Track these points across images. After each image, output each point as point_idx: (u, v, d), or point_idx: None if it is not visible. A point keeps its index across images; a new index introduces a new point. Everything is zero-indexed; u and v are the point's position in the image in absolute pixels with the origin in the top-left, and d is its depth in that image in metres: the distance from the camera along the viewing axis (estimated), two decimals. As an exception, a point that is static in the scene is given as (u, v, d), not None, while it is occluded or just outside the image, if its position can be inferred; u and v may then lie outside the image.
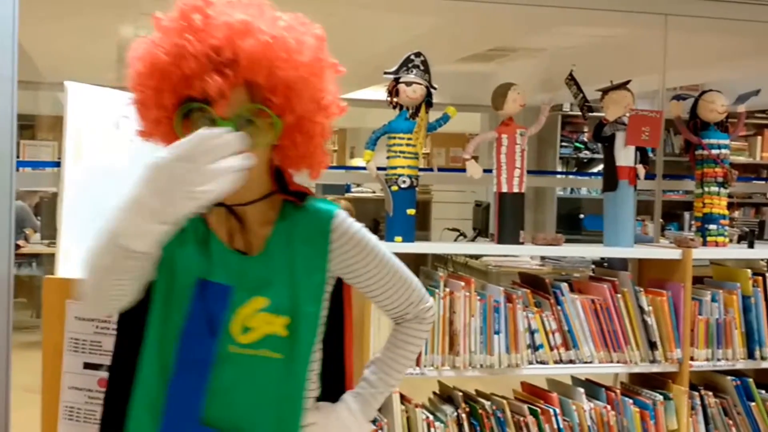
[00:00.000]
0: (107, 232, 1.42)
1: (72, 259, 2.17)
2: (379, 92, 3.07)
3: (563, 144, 8.34)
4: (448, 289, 3.04)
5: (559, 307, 3.16)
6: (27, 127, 9.09)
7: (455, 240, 6.92)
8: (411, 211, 3.07)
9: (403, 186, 3.04)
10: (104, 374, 2.05)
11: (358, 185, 9.01)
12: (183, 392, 1.54)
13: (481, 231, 7.01)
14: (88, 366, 2.07)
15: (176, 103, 1.48)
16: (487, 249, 3.94)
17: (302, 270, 1.60)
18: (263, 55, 1.45)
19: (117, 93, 2.35)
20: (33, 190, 8.52)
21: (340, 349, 1.77)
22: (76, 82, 2.19)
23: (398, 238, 3.01)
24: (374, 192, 8.04)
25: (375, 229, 3.03)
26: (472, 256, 6.54)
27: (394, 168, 3.04)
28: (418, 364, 2.94)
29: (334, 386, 1.76)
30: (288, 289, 1.58)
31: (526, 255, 5.93)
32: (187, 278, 1.57)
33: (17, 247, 6.89)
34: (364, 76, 4.88)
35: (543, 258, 6.29)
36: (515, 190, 3.20)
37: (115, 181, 2.27)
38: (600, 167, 4.16)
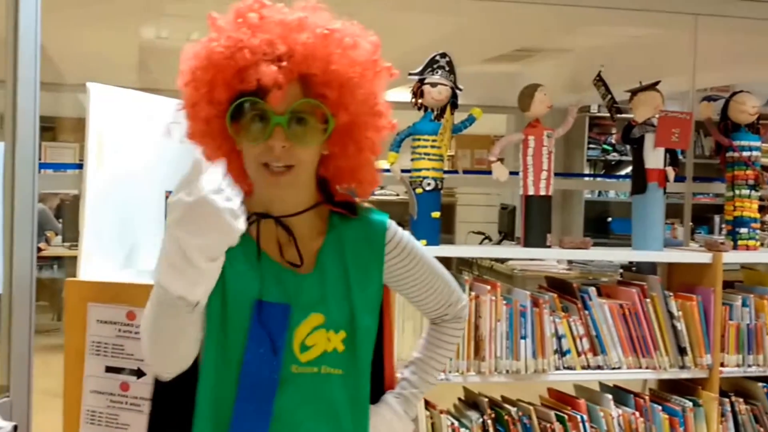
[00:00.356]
0: (160, 292, 1.38)
1: (94, 261, 2.18)
2: (404, 94, 3.07)
3: (591, 146, 8.29)
4: (473, 293, 3.04)
5: (586, 312, 3.15)
6: (48, 128, 9.17)
7: (480, 243, 6.90)
8: (436, 214, 3.07)
9: (427, 188, 3.04)
10: (126, 378, 2.07)
11: (382, 188, 8.98)
12: (249, 418, 1.52)
13: (507, 234, 7.00)
14: (110, 369, 2.08)
15: (229, 98, 1.48)
16: (514, 252, 3.93)
17: (356, 283, 1.60)
18: (318, 47, 1.47)
19: (140, 95, 2.38)
20: (54, 193, 8.59)
21: (379, 350, 1.76)
22: (98, 83, 2.21)
23: (423, 242, 3.00)
24: (398, 195, 8.03)
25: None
26: (497, 260, 6.53)
27: (419, 170, 3.05)
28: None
29: (373, 387, 1.76)
30: (343, 304, 1.58)
31: (552, 259, 5.91)
32: (241, 300, 1.53)
33: (38, 249, 6.96)
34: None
35: (570, 262, 6.26)
36: (542, 192, 3.20)
37: (137, 184, 2.30)
38: (628, 169, 4.15)
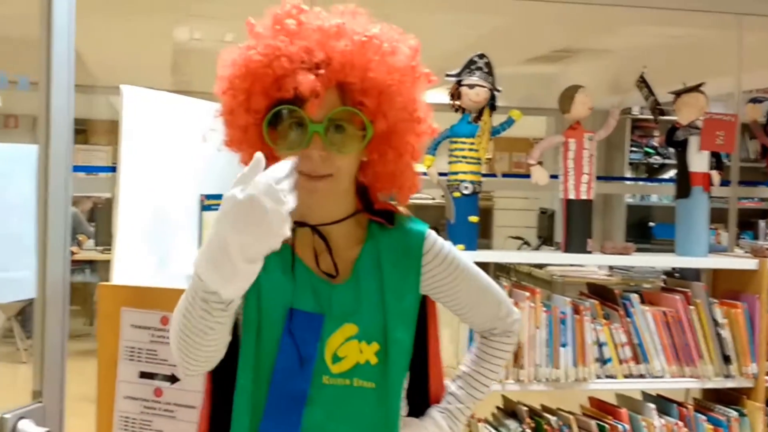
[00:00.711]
0: (195, 281, 1.37)
1: (127, 265, 2.19)
2: (442, 96, 3.07)
3: (633, 149, 8.22)
4: (511, 300, 3.02)
5: (628, 319, 3.12)
6: (81, 131, 9.27)
7: (519, 249, 6.87)
8: (473, 218, 3.06)
9: (465, 192, 3.03)
10: (160, 383, 2.07)
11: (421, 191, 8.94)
12: (278, 429, 1.52)
13: (546, 239, 6.96)
14: (143, 375, 2.09)
15: (267, 106, 1.49)
16: (554, 258, 3.91)
17: (392, 294, 1.58)
18: (356, 55, 1.46)
19: (173, 97, 2.39)
20: (87, 196, 8.66)
21: (424, 363, 1.73)
22: (130, 85, 2.22)
23: (460, 246, 2.99)
24: (434, 198, 8.02)
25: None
26: (536, 266, 6.49)
27: (456, 174, 3.04)
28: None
29: (418, 400, 1.74)
30: (377, 315, 1.56)
31: (593, 265, 5.87)
32: (275, 307, 1.54)
33: (71, 253, 7.04)
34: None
35: (611, 268, 6.21)
36: (583, 196, 3.18)
37: (171, 187, 2.31)
38: (672, 173, 4.11)
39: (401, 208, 1.68)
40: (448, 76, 3.04)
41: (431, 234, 1.65)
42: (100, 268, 8.20)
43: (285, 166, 1.31)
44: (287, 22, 1.49)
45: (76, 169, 2.17)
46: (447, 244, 1.66)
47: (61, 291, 2.09)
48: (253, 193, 1.26)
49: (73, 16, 2.08)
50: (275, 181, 1.28)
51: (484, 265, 3.39)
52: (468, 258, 1.71)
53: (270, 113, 1.48)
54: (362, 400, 1.55)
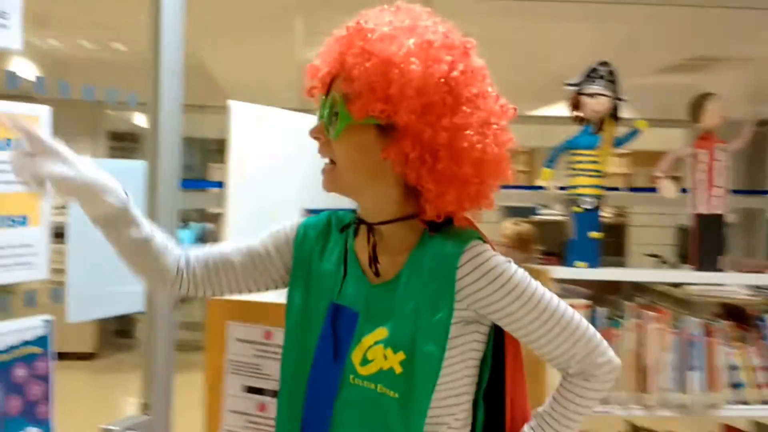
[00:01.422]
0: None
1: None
2: (561, 109, 3.00)
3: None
4: (636, 321, 2.92)
5: (764, 342, 2.96)
6: (218, 150, 9.53)
7: (655, 266, 6.66)
8: (595, 234, 2.96)
9: (586, 207, 2.94)
10: (265, 398, 2.08)
11: (546, 207, 8.79)
12: (313, 421, 1.56)
13: (685, 257, 6.73)
14: (249, 389, 2.11)
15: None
16: (683, 276, 3.76)
17: (426, 305, 1.51)
18: (343, 45, 1.51)
19: (282, 112, 2.41)
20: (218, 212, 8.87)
21: (501, 398, 1.65)
22: (262, 105, 2.27)
23: (580, 264, 2.91)
24: (555, 215, 7.87)
25: (563, 254, 2.96)
26: (673, 285, 6.25)
27: (576, 187, 2.95)
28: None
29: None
30: (408, 324, 1.51)
31: (734, 284, 5.61)
32: (321, 299, 1.60)
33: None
34: (552, 91, 4.81)
35: (758, 288, 5.93)
36: (714, 211, 3.04)
37: (276, 202, 2.33)
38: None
39: (468, 218, 1.60)
40: (567, 85, 2.97)
41: (475, 245, 1.52)
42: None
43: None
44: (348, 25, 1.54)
45: (191, 184, 2.23)
46: (496, 259, 1.52)
47: (168, 305, 2.14)
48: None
49: (180, 35, 2.14)
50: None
51: (614, 285, 3.30)
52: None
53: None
54: (384, 407, 1.50)
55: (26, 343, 1.81)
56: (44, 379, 1.86)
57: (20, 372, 1.80)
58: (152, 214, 2.06)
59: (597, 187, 2.96)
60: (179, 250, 1.68)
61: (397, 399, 1.50)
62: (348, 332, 1.55)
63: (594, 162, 2.94)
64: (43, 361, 1.85)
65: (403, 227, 1.57)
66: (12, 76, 1.78)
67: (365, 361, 1.52)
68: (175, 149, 2.14)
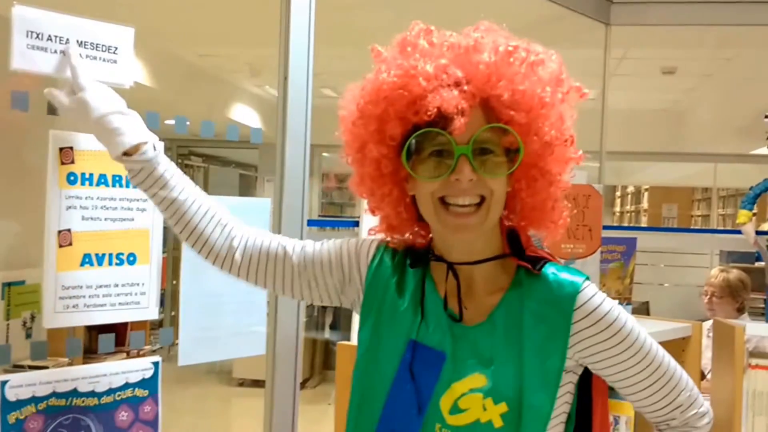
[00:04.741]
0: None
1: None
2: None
3: None
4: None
5: None
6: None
7: None
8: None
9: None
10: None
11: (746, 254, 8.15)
12: None
13: None
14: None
15: (402, 134, 1.41)
16: None
17: (533, 351, 1.42)
18: (501, 66, 1.37)
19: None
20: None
21: None
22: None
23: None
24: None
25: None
26: None
27: (773, 229, 2.72)
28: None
29: None
30: (512, 372, 1.42)
31: None
32: (396, 335, 1.48)
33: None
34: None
35: None
36: None
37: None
38: None
39: (555, 257, 1.52)
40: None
41: (589, 286, 1.46)
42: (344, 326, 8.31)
43: None
44: (419, 43, 1.41)
45: (322, 224, 2.23)
46: (609, 302, 1.46)
47: (294, 346, 2.14)
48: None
49: (310, 77, 2.18)
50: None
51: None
52: (644, 330, 1.48)
53: (410, 138, 1.39)
54: None
55: (130, 385, 1.84)
56: (151, 424, 1.88)
57: (123, 415, 1.82)
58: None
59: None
60: (240, 229, 1.62)
61: None
62: (431, 374, 1.44)
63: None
64: (151, 405, 1.88)
65: (496, 266, 1.49)
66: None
67: (456, 410, 1.42)
68: (302, 187, 2.17)
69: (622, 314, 1.46)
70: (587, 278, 1.47)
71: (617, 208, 16.13)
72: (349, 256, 1.58)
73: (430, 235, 1.53)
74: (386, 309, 1.51)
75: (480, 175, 1.37)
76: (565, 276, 1.46)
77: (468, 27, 1.44)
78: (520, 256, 1.49)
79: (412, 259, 1.54)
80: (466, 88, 1.35)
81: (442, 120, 1.34)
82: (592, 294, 1.45)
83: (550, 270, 1.47)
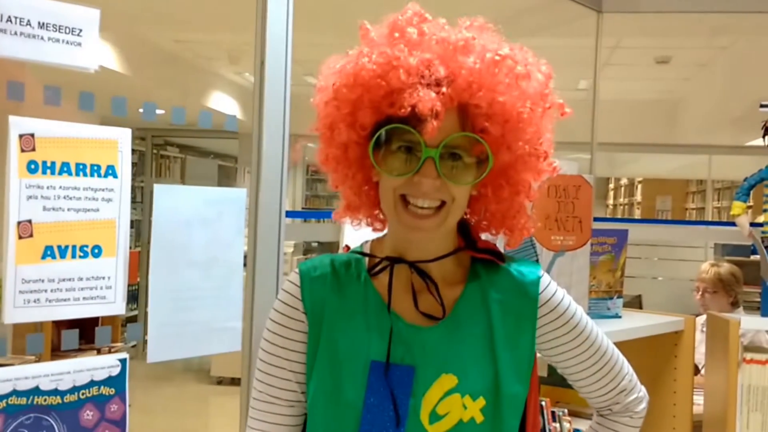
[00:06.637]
0: None
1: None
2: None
3: None
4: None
5: None
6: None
7: None
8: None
9: (780, 243, 2.71)
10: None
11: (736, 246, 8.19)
12: None
13: None
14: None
15: (374, 123, 1.39)
16: None
17: (505, 342, 1.44)
18: (485, 74, 1.35)
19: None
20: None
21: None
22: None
23: (774, 310, 2.66)
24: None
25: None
26: None
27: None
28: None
29: None
30: (485, 366, 1.42)
31: None
32: (355, 359, 1.42)
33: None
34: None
35: None
36: None
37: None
38: None
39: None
40: (763, 106, 2.75)
41: (546, 277, 1.53)
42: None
43: None
44: (408, 31, 1.38)
45: (305, 215, 2.20)
46: (563, 293, 1.54)
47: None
48: None
49: (288, 64, 2.15)
50: None
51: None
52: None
53: (379, 131, 1.38)
54: None
55: (96, 383, 1.81)
56: (118, 424, 1.85)
57: (88, 415, 1.79)
58: (254, 244, 2.08)
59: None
60: None
61: None
62: (403, 392, 1.40)
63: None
64: (118, 404, 1.85)
65: (453, 261, 1.50)
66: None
67: (435, 418, 1.40)
68: (280, 178, 2.14)
69: (573, 304, 1.54)
70: (540, 268, 1.54)
71: (610, 201, 16.16)
72: (294, 328, 1.49)
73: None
74: (336, 337, 1.44)
75: (444, 180, 1.36)
76: (524, 267, 1.53)
77: (464, 19, 1.43)
78: (473, 248, 1.51)
79: (347, 268, 1.50)
80: (444, 90, 1.33)
81: (416, 118, 1.32)
82: (554, 290, 1.53)
83: (509, 263, 1.53)
